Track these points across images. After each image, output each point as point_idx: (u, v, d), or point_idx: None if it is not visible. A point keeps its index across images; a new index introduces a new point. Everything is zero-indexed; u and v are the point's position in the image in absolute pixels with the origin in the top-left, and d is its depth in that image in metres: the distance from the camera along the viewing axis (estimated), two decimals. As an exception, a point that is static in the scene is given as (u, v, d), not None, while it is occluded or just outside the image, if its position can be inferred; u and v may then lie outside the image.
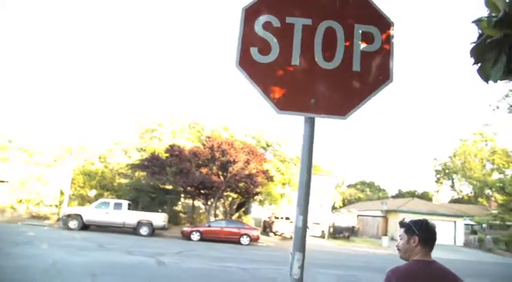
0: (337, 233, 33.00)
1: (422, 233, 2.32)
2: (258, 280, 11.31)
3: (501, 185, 11.58)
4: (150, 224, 22.23)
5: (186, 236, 22.26)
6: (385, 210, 38.76)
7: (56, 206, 27.61)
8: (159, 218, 22.78)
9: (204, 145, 26.96)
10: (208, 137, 27.55)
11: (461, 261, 24.14)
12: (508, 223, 22.10)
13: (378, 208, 40.57)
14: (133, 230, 22.16)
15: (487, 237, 35.47)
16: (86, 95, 47.80)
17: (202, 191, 26.48)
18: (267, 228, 30.87)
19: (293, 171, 30.47)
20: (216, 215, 30.15)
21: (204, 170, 25.87)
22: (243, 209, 32.56)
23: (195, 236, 22.15)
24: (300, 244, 2.15)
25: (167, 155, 25.81)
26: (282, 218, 28.93)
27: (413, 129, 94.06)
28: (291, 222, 26.05)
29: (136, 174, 29.74)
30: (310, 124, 2.29)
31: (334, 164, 39.12)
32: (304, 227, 2.17)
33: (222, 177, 25.86)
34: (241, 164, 25.14)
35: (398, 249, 2.42)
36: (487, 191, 49.02)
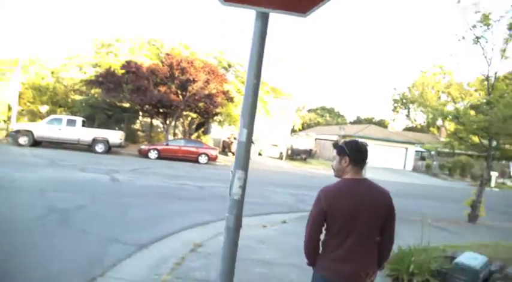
0: (294, 155, 33.89)
1: (353, 153, 2.40)
2: (213, 197, 11.41)
3: (456, 114, 11.89)
4: (106, 141, 21.71)
5: (144, 154, 22.07)
6: (342, 135, 39.81)
7: (4, 121, 26.24)
8: (115, 136, 22.24)
9: (162, 63, 25.75)
10: (168, 54, 26.25)
11: (408, 183, 25.74)
12: (456, 151, 23.39)
13: (336, 133, 41.57)
14: (89, 147, 21.61)
15: (434, 163, 37.79)
16: (41, 5, 43.89)
17: (160, 110, 25.84)
18: (225, 148, 31.19)
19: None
20: (174, 135, 29.91)
21: (162, 89, 25.00)
22: (202, 129, 32.43)
23: (153, 154, 22.01)
24: (244, 161, 1.87)
25: (123, 71, 24.55)
26: (241, 139, 29.09)
27: (376, 59, 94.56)
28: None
29: (92, 91, 28.41)
30: (263, 20, 1.89)
31: (295, 87, 38.96)
32: (249, 141, 1.87)
33: (181, 97, 25.17)
34: (201, 84, 24.41)
35: (333, 169, 2.50)
36: (439, 121, 51.27)
